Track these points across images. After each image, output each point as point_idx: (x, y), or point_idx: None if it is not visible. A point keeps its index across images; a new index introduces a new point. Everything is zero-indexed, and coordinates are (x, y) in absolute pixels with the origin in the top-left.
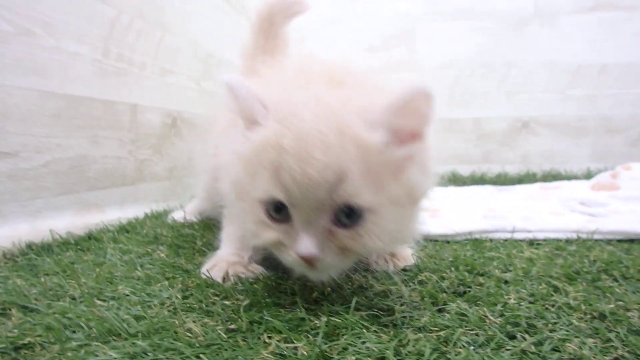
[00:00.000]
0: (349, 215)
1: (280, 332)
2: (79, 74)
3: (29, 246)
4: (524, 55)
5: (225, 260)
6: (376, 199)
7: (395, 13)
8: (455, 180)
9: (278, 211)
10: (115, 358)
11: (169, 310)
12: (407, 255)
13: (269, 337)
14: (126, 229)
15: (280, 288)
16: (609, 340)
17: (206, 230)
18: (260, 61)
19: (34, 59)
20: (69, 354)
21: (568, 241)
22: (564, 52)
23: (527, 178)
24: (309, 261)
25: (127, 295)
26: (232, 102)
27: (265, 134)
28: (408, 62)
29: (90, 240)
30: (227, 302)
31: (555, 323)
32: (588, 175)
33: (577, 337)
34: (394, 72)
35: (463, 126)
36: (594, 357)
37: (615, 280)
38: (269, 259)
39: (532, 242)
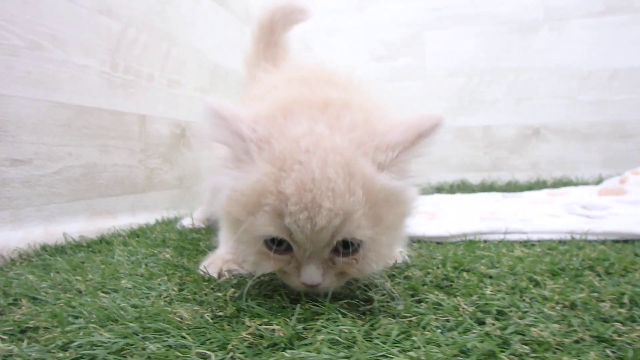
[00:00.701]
0: (347, 245)
1: (261, 317)
2: (88, 86)
3: (44, 248)
4: (533, 61)
5: (220, 258)
6: (374, 230)
7: (402, 21)
8: (464, 188)
9: (278, 244)
10: (109, 337)
11: (165, 301)
12: (396, 254)
13: (251, 321)
14: (137, 233)
15: (269, 282)
16: (571, 325)
17: (211, 234)
18: (262, 69)
19: (43, 72)
20: (69, 335)
21: (561, 242)
22: (574, 58)
23: (537, 185)
24: (311, 286)
25: (129, 288)
26: (214, 129)
27: (260, 177)
28: (416, 70)
29: (102, 244)
30: (219, 294)
31: (527, 312)
32: (599, 182)
33: (543, 322)
34: (402, 81)
35: (472, 134)
36: (553, 340)
37: (598, 275)
38: None
39: (526, 243)
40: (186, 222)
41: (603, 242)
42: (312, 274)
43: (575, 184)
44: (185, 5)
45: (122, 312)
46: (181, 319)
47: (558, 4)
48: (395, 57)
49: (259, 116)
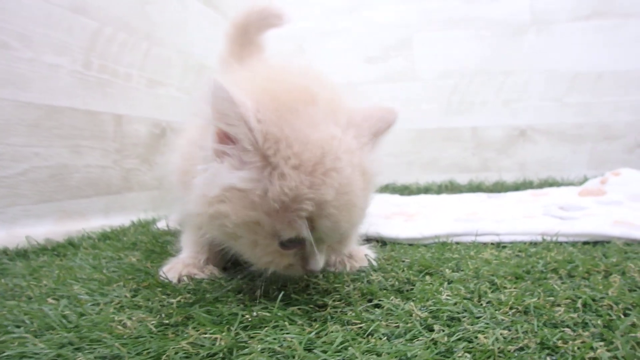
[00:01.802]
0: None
1: (205, 325)
2: (59, 85)
3: (4, 251)
4: (521, 64)
5: (181, 263)
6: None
7: (393, 23)
8: (453, 189)
9: (294, 241)
10: (42, 348)
11: (115, 308)
12: (363, 257)
13: (196, 330)
14: (108, 236)
15: (228, 287)
16: (517, 331)
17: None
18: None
19: (10, 71)
20: (2, 345)
21: (533, 243)
22: (561, 60)
23: (524, 186)
24: (312, 272)
25: (80, 294)
26: (212, 112)
27: (298, 187)
28: (406, 72)
29: (69, 247)
30: (172, 300)
31: (479, 317)
32: (584, 183)
33: (493, 329)
34: (393, 82)
35: (461, 135)
36: (498, 347)
37: (560, 278)
38: (227, 260)
39: (498, 245)
40: (161, 225)
41: (573, 244)
42: (319, 262)
43: (561, 184)
44: (171, 5)
45: (64, 321)
46: (124, 327)
47: (545, 7)
48: (386, 59)
49: (262, 105)
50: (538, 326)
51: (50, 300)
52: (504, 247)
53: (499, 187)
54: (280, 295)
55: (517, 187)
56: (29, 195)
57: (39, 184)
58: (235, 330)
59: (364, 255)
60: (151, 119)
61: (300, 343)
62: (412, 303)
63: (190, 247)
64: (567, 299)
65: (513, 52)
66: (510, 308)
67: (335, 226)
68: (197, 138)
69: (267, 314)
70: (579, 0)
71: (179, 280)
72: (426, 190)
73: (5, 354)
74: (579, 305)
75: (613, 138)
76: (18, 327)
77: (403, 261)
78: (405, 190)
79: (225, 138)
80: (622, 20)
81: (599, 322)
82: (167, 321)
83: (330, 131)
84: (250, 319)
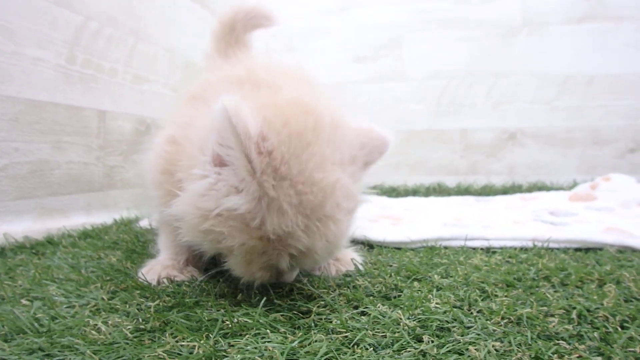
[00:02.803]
0: None
1: (183, 332)
2: (41, 80)
3: None
4: (511, 66)
5: (160, 264)
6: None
7: (384, 23)
8: (441, 191)
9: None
10: (10, 353)
11: (90, 311)
12: (350, 261)
13: (173, 337)
14: (89, 234)
15: (212, 290)
16: (510, 342)
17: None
18: (217, 64)
19: None
20: None
21: (522, 249)
22: (552, 63)
23: (512, 190)
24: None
25: (55, 296)
26: (222, 144)
27: (291, 225)
28: (396, 72)
29: (47, 245)
30: (151, 303)
31: (470, 327)
32: (573, 187)
33: (485, 340)
34: (382, 82)
35: (450, 137)
36: (492, 359)
37: (553, 286)
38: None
39: (487, 250)
40: (144, 224)
41: (565, 251)
42: (292, 277)
43: (550, 188)
44: (159, 1)
45: (36, 325)
46: (98, 332)
47: (537, 9)
48: (375, 59)
49: (272, 132)
50: (532, 338)
51: (23, 301)
52: (494, 252)
53: (487, 191)
54: (263, 301)
55: (506, 190)
56: (8, 192)
57: (19, 180)
58: (215, 337)
59: (350, 259)
60: (136, 115)
61: (282, 353)
62: (399, 311)
63: (168, 249)
64: (560, 309)
65: (504, 54)
66: (502, 318)
67: (314, 263)
68: (178, 137)
69: (249, 321)
70: (572, 3)
71: (158, 282)
72: (414, 192)
73: None
74: (573, 316)
75: (603, 143)
76: None
77: (390, 266)
78: (393, 192)
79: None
80: (614, 24)
81: (595, 334)
82: (143, 326)
83: (335, 174)
84: (230, 326)
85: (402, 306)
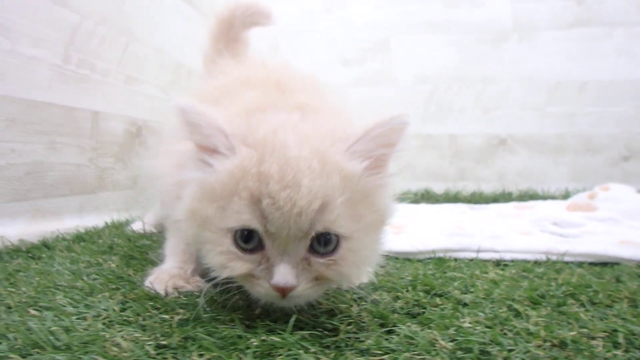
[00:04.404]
0: (325, 243)
1: (211, 350)
2: (37, 79)
3: None
4: (501, 71)
5: (166, 273)
6: (354, 227)
7: (371, 25)
8: (429, 197)
9: (248, 241)
10: None
11: (103, 323)
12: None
13: (200, 355)
14: (83, 238)
15: (224, 303)
16: None
17: (162, 242)
18: (219, 66)
19: None
20: None
21: (536, 263)
22: (543, 68)
23: (503, 197)
24: (283, 291)
25: (64, 306)
26: (186, 130)
27: (241, 161)
28: (383, 75)
29: (43, 249)
30: (165, 316)
31: (511, 350)
32: (566, 196)
33: None
34: (369, 86)
35: (438, 142)
36: None
37: (582, 305)
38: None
39: (498, 263)
40: (137, 226)
41: (580, 265)
42: (286, 274)
43: (542, 197)
44: (148, 1)
45: (51, 338)
46: (119, 348)
47: (528, 14)
48: (362, 62)
49: (232, 117)
50: None
51: (32, 311)
52: (506, 265)
53: (477, 198)
54: (291, 320)
55: (496, 198)
56: (4, 194)
57: (14, 182)
58: (247, 357)
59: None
60: (128, 116)
61: None
62: (432, 331)
63: (176, 255)
64: (602, 331)
65: (494, 59)
66: (544, 341)
67: (278, 208)
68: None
69: (277, 340)
70: (563, 8)
71: (166, 293)
72: (402, 198)
73: None
74: (620, 340)
75: (595, 150)
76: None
77: (402, 278)
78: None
79: (204, 149)
80: (606, 30)
81: None
82: (164, 342)
83: (288, 119)
84: (256, 344)
85: (431, 325)
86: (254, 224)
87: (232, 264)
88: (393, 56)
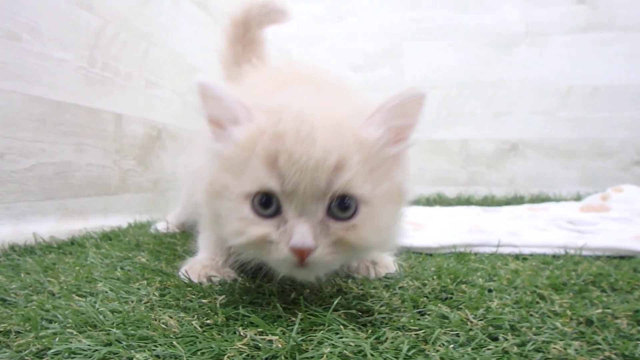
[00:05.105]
0: (344, 208)
1: (256, 326)
2: (65, 81)
3: (12, 247)
4: (512, 76)
5: (199, 263)
6: (371, 192)
7: (381, 32)
8: (442, 201)
9: (267, 206)
10: (89, 345)
11: (146, 306)
12: (389, 263)
13: (245, 330)
14: (109, 236)
15: (258, 289)
16: (596, 343)
17: (187, 239)
18: (243, 69)
19: (20, 63)
20: (44, 340)
21: (555, 256)
22: (554, 73)
23: (515, 201)
24: (301, 254)
25: (106, 292)
26: (206, 105)
27: (257, 124)
28: (394, 81)
29: (73, 245)
30: (204, 300)
31: (540, 327)
32: (577, 199)
33: (562, 340)
34: (379, 92)
35: (449, 147)
36: (580, 357)
37: (604, 291)
38: (244, 263)
39: (517, 257)
40: (161, 226)
41: (597, 258)
42: (304, 234)
43: (554, 200)
44: (166, 6)
45: (101, 317)
46: (167, 326)
47: (540, 19)
48: (373, 68)
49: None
50: (612, 338)
51: (76, 297)
52: (525, 258)
53: (489, 202)
54: (323, 302)
55: (509, 202)
56: (35, 192)
57: (44, 181)
58: (290, 332)
59: (387, 261)
60: (148, 120)
61: (364, 344)
62: (462, 311)
63: (208, 248)
64: (625, 311)
65: (505, 63)
66: (570, 319)
67: (296, 163)
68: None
69: (316, 318)
70: (574, 13)
71: (200, 282)
72: (415, 202)
73: (51, 350)
74: None
75: (607, 155)
76: (51, 322)
77: (427, 270)
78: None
79: (220, 125)
80: (618, 34)
81: None
82: (209, 321)
83: (302, 91)
84: (296, 321)
85: (461, 307)
86: (271, 183)
87: (249, 229)
88: (404, 62)
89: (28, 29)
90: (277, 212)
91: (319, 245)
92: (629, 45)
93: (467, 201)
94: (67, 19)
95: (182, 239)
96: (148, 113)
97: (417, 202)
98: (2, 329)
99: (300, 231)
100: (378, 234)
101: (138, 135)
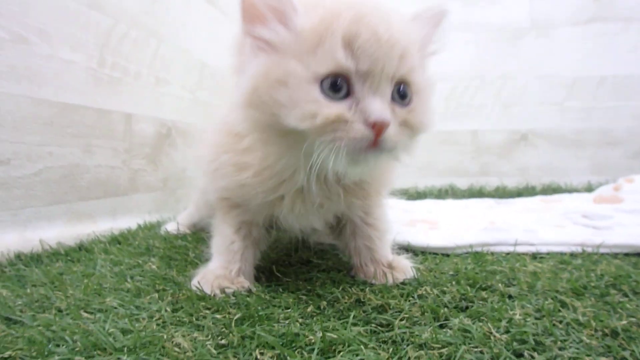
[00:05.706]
0: (403, 96)
1: (273, 347)
2: (74, 82)
3: (18, 256)
4: (519, 68)
5: (212, 273)
6: (422, 82)
7: None
8: (454, 193)
9: (337, 90)
10: None
11: (157, 324)
12: (406, 267)
13: (261, 354)
14: (118, 240)
15: (274, 302)
16: (624, 358)
17: (199, 242)
18: None
19: (28, 66)
20: None
21: (573, 255)
22: (561, 65)
23: (527, 191)
24: (379, 129)
25: (115, 307)
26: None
27: (330, 8)
28: None
29: (81, 251)
30: (218, 316)
31: (565, 340)
32: (589, 189)
33: (588, 355)
34: None
35: (459, 139)
36: None
37: (625, 295)
38: (259, 269)
39: (535, 256)
40: (170, 227)
41: (615, 256)
42: (382, 108)
43: (566, 190)
44: (175, 2)
45: (110, 339)
46: (180, 348)
47: (546, 11)
48: None
49: None
50: (639, 353)
51: (84, 314)
52: (543, 258)
53: (500, 193)
54: (341, 315)
55: (520, 192)
56: (42, 197)
57: (52, 185)
58: (309, 354)
59: (404, 266)
60: (158, 118)
61: None
62: (484, 324)
63: (221, 255)
64: None
65: (512, 56)
66: (595, 330)
67: (376, 37)
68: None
69: (335, 336)
70: (580, 5)
71: (213, 294)
72: (425, 194)
73: None
74: None
75: (615, 144)
76: (58, 345)
77: (444, 273)
78: (404, 193)
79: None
80: (623, 25)
81: None
82: (223, 341)
83: None
84: (314, 341)
85: (483, 318)
86: (348, 63)
87: (323, 110)
88: None
89: (37, 31)
90: (347, 95)
91: (393, 120)
92: (633, 36)
93: (479, 192)
94: (76, 20)
95: (194, 242)
96: (158, 111)
97: (429, 193)
98: (7, 356)
99: (378, 106)
100: (430, 120)
101: (147, 134)
